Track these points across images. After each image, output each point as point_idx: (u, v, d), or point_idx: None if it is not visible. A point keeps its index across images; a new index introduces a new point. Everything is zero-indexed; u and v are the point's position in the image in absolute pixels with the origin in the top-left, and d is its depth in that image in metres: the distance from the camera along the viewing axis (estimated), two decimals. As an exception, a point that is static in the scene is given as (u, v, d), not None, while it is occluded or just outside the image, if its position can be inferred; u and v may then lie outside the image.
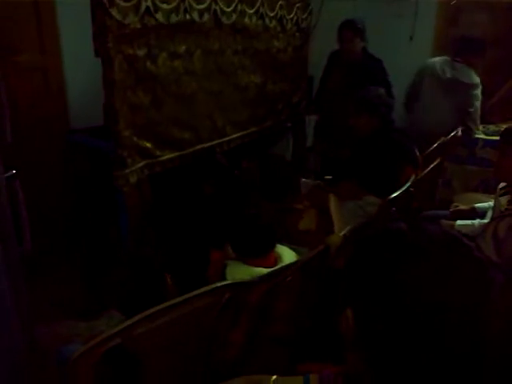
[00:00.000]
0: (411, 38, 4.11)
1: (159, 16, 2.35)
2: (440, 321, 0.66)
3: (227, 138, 3.09)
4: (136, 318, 1.24)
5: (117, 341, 1.26)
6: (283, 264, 1.85)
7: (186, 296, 1.31)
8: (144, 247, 1.61)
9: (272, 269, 1.80)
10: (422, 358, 0.67)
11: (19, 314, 1.98)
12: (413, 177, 2.29)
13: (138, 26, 2.27)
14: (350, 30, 3.44)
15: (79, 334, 2.43)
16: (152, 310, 1.26)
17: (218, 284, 1.39)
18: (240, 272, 1.81)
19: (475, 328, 0.68)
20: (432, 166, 2.45)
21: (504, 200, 2.09)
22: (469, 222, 2.48)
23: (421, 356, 0.67)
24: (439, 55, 4.11)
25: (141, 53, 2.31)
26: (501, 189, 2.14)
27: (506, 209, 2.04)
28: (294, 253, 2.04)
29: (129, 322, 1.24)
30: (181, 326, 1.36)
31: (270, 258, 1.90)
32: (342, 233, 1.82)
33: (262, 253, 1.85)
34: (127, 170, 2.36)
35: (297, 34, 3.82)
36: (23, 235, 1.97)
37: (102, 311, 2.64)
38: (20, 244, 1.96)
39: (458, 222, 2.50)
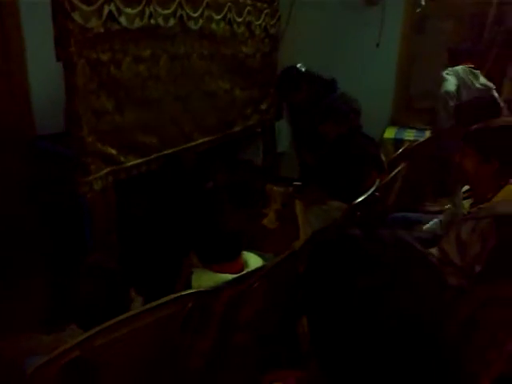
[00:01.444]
0: (378, 45, 4.17)
1: (123, 20, 2.32)
2: (393, 328, 0.65)
3: (194, 143, 3.06)
4: (96, 329, 1.21)
5: (76, 353, 1.23)
6: (249, 270, 1.84)
7: (148, 306, 1.28)
8: (106, 257, 1.56)
9: (238, 275, 1.79)
10: (375, 365, 0.66)
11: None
12: (377, 181, 2.32)
13: (101, 30, 2.23)
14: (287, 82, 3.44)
15: (43, 347, 2.37)
16: (113, 321, 1.22)
17: (181, 293, 1.37)
18: (206, 279, 1.78)
19: (430, 334, 0.68)
20: (397, 170, 2.48)
21: (467, 203, 2.12)
22: (435, 221, 2.53)
23: (374, 363, 0.66)
24: (405, 63, 4.22)
25: (104, 57, 2.28)
26: (464, 192, 2.18)
27: (468, 212, 2.07)
28: (260, 259, 2.03)
29: (89, 334, 1.20)
30: (143, 337, 1.33)
31: (237, 265, 1.87)
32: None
33: (227, 259, 1.82)
34: (91, 177, 2.32)
35: (265, 40, 3.84)
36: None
37: (66, 323, 2.59)
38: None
39: (426, 225, 2.55)
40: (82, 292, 1.47)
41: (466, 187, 2.20)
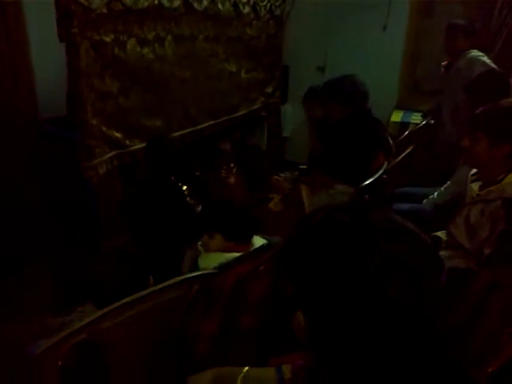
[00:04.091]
0: (385, 28, 4.10)
1: (127, 1, 2.28)
2: (391, 316, 0.63)
3: (199, 127, 3.04)
4: (102, 311, 1.20)
5: (83, 335, 1.22)
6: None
7: (154, 288, 1.27)
8: (128, 242, 1.55)
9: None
10: (375, 356, 0.64)
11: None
12: (385, 164, 2.29)
13: (105, 10, 2.19)
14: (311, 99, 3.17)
15: (51, 331, 2.37)
16: (119, 304, 1.22)
17: (187, 276, 1.35)
18: (213, 259, 1.79)
19: (430, 320, 0.66)
20: (405, 153, 2.45)
21: (475, 186, 2.09)
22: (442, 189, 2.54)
23: (374, 353, 0.64)
24: (413, 46, 4.15)
25: (108, 39, 2.25)
26: (472, 175, 2.15)
27: (477, 195, 2.04)
28: (264, 240, 2.03)
29: (95, 316, 1.20)
30: (149, 319, 1.32)
31: (246, 246, 1.89)
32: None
33: (245, 238, 1.87)
34: (96, 161, 2.30)
35: (271, 21, 3.78)
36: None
37: (74, 306, 2.59)
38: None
39: (435, 194, 2.56)
40: (102, 274, 1.45)
41: (474, 170, 2.16)
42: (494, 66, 3.05)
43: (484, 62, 3.06)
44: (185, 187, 2.57)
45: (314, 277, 0.68)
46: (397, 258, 0.65)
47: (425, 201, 2.61)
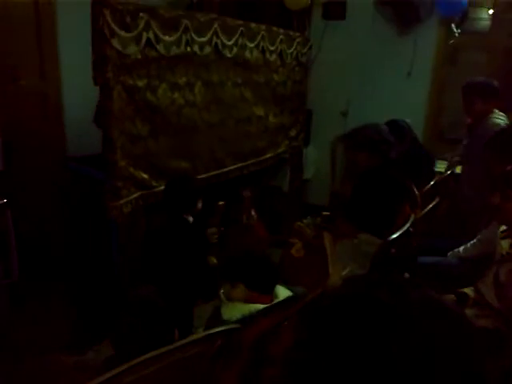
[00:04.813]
0: (409, 75, 4.15)
1: (160, 48, 2.34)
2: None
3: (225, 170, 3.06)
4: (125, 366, 1.17)
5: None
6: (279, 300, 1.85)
7: (178, 344, 1.24)
8: (155, 292, 1.53)
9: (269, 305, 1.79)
10: None
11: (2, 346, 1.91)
12: (412, 217, 2.25)
13: (139, 56, 2.26)
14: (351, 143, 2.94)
15: (67, 371, 2.34)
16: (142, 358, 1.19)
17: (211, 331, 1.33)
18: (237, 310, 1.77)
19: None
20: (431, 205, 2.42)
21: (505, 243, 2.05)
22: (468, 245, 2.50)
23: None
24: (437, 93, 4.17)
25: (141, 83, 2.30)
26: (502, 232, 2.10)
27: (507, 253, 1.99)
28: (288, 291, 2.00)
29: (118, 370, 1.17)
30: (171, 374, 1.29)
31: (269, 296, 1.88)
32: (344, 272, 1.77)
33: (268, 290, 1.85)
34: (121, 201, 2.32)
35: (296, 68, 3.85)
36: (11, 266, 1.91)
37: (90, 345, 2.56)
38: (7, 275, 1.90)
39: (461, 248, 2.51)
40: (127, 325, 1.43)
41: (504, 227, 2.12)
42: None
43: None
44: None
45: (345, 355, 0.65)
46: (437, 342, 0.62)
47: (450, 253, 2.57)
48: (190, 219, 2.43)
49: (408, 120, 3.47)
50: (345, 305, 0.70)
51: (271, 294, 1.88)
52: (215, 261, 2.60)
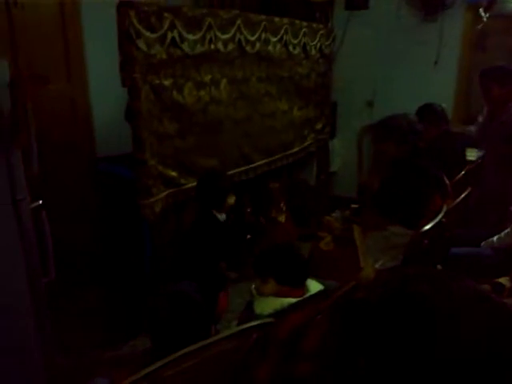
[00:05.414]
0: (436, 63, 4.07)
1: (185, 46, 2.36)
2: None
3: (253, 165, 3.07)
4: (164, 360, 1.20)
5: (144, 383, 1.22)
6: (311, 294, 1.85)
7: (214, 338, 1.26)
8: (193, 288, 1.55)
9: (301, 298, 1.79)
10: None
11: (42, 344, 1.97)
12: (445, 207, 2.22)
13: (164, 56, 2.28)
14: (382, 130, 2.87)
15: (104, 366, 2.40)
16: (181, 352, 1.21)
17: (247, 325, 1.34)
18: (269, 304, 1.78)
19: None
20: (462, 195, 2.37)
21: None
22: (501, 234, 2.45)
23: None
24: (465, 81, 4.08)
25: (167, 83, 2.33)
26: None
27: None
28: (321, 285, 2.00)
29: (157, 365, 1.20)
30: (208, 369, 1.31)
31: (300, 290, 1.88)
32: (377, 265, 1.76)
33: (299, 283, 1.84)
34: (152, 199, 2.35)
35: (320, 60, 3.83)
36: (48, 265, 1.97)
37: (125, 340, 2.62)
38: (45, 274, 1.95)
39: (495, 238, 2.46)
40: (165, 318, 1.45)
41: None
42: None
43: None
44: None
45: (391, 352, 0.65)
46: (482, 334, 0.61)
47: (483, 243, 2.52)
48: (223, 216, 2.44)
49: (444, 105, 3.42)
50: (385, 299, 0.69)
51: (302, 287, 1.88)
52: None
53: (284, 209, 3.47)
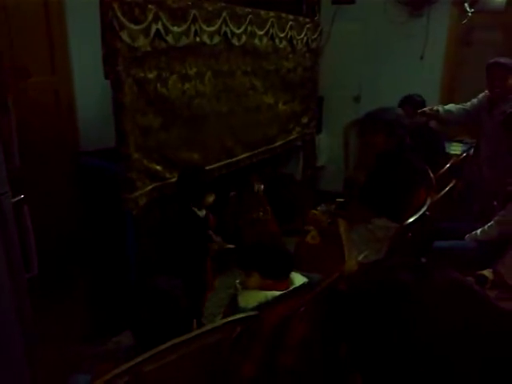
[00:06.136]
0: (422, 58, 4.09)
1: (169, 39, 2.34)
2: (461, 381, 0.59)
3: (236, 159, 3.06)
4: (145, 355, 1.19)
5: (126, 378, 1.21)
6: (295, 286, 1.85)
7: (197, 332, 1.26)
8: (173, 283, 1.54)
9: (285, 291, 1.80)
10: None
11: (25, 339, 1.95)
12: (429, 200, 2.23)
13: (149, 48, 2.25)
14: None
15: (86, 361, 2.39)
16: (162, 347, 1.20)
17: (230, 318, 1.34)
18: (253, 297, 1.78)
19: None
20: (447, 189, 2.39)
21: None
22: (485, 227, 2.46)
23: None
24: (451, 75, 4.11)
25: (151, 75, 2.30)
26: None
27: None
28: (305, 278, 2.00)
29: (138, 360, 1.19)
30: (191, 363, 1.30)
31: (284, 283, 1.88)
32: (360, 258, 1.77)
33: (283, 275, 1.84)
34: (136, 193, 2.33)
35: (307, 54, 3.82)
36: (30, 261, 1.94)
37: (109, 336, 2.60)
38: (27, 269, 1.93)
39: (478, 231, 2.48)
40: (147, 314, 1.44)
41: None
42: None
43: None
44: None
45: (373, 340, 0.65)
46: (463, 323, 0.61)
47: (467, 236, 2.54)
48: (203, 212, 2.42)
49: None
50: (368, 286, 0.70)
51: (287, 280, 1.88)
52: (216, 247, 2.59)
53: (269, 210, 3.46)
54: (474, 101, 3.29)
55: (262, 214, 3.37)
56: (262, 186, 3.44)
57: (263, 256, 1.89)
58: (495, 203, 2.67)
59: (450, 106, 3.31)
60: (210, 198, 2.39)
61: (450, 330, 0.61)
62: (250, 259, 1.90)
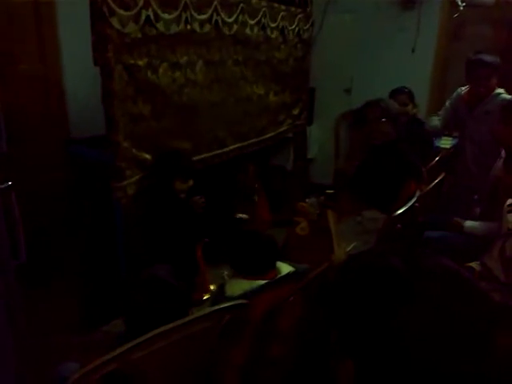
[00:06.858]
0: (413, 51, 4.09)
1: (160, 26, 2.31)
2: (447, 368, 0.60)
3: (227, 149, 3.04)
4: (133, 342, 1.19)
5: (114, 365, 1.21)
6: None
7: (185, 319, 1.25)
8: (169, 271, 1.53)
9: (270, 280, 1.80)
10: None
11: (13, 328, 1.93)
12: (418, 192, 2.25)
13: (139, 35, 2.23)
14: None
15: (74, 350, 2.38)
16: (150, 334, 1.20)
17: (218, 306, 1.34)
18: (240, 286, 1.78)
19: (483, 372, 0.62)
20: (436, 181, 2.40)
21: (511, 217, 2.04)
22: (476, 223, 2.46)
23: None
24: (441, 69, 4.12)
25: (141, 63, 2.27)
26: (509, 205, 2.09)
27: (514, 226, 1.99)
28: (291, 267, 2.01)
29: (126, 347, 1.18)
30: (180, 350, 1.30)
31: (272, 272, 1.87)
32: (348, 249, 1.78)
33: (263, 271, 1.82)
34: (125, 182, 2.31)
35: (298, 45, 3.80)
36: (18, 248, 1.92)
37: (97, 325, 2.59)
38: (15, 257, 1.91)
39: (467, 223, 2.46)
40: (140, 303, 1.43)
41: (510, 201, 2.11)
42: None
43: None
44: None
45: (364, 325, 0.65)
46: (452, 308, 0.62)
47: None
48: (182, 196, 2.43)
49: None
50: (358, 271, 0.70)
51: (273, 270, 1.87)
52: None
53: (260, 190, 3.48)
54: (447, 106, 3.33)
55: (251, 192, 3.39)
56: (253, 167, 3.47)
57: (244, 260, 1.87)
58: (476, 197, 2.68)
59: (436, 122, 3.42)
60: (184, 185, 2.43)
61: (440, 314, 0.61)
62: (235, 256, 1.90)
